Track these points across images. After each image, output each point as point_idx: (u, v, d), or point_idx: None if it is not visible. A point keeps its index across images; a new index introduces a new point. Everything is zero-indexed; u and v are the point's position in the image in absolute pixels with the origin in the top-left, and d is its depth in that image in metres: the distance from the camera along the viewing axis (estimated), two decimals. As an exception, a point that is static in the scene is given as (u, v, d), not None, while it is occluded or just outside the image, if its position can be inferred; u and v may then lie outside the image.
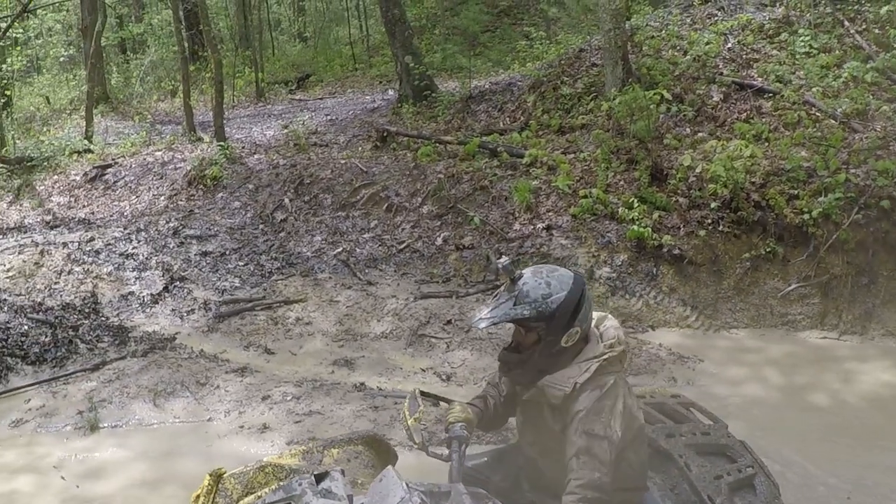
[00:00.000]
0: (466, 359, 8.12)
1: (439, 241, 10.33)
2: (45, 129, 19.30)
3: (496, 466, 3.68)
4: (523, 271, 3.25)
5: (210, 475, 3.34)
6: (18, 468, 6.82)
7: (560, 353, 3.22)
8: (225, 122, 14.56)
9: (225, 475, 3.34)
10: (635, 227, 9.36)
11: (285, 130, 14.34)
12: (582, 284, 3.25)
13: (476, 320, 3.25)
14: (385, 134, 12.95)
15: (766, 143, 10.27)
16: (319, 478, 3.02)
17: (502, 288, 3.26)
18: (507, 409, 3.61)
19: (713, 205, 9.55)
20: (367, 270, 9.97)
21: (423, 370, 8.01)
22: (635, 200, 9.78)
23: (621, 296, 9.05)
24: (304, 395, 7.48)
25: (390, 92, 17.00)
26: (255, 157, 13.26)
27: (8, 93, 18.06)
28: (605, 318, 3.46)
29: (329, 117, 15.02)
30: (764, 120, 10.78)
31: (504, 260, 3.21)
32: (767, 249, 9.27)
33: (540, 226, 9.95)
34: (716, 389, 7.50)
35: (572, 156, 11.03)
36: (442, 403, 3.74)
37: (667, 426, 4.04)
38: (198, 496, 3.31)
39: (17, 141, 17.56)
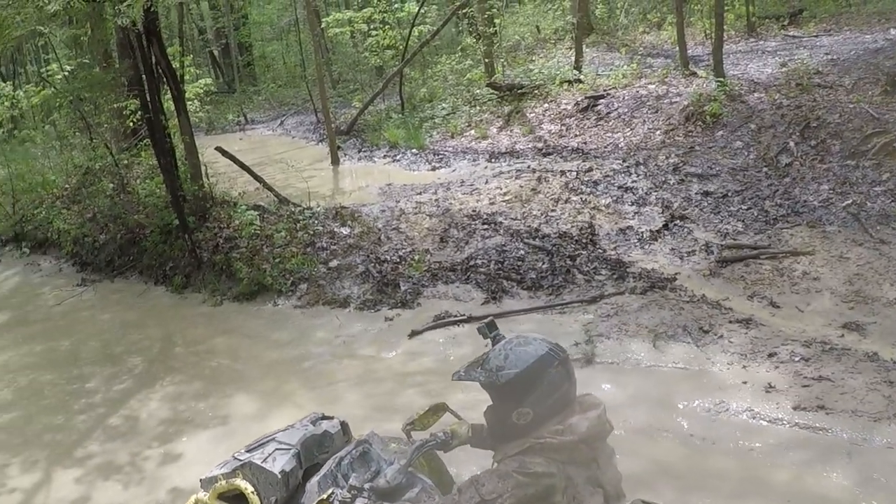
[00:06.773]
0: None
1: (968, 205, 9.36)
2: (529, 57, 20.52)
3: None
4: (503, 337, 3.27)
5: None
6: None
7: (512, 427, 3.10)
8: (720, 57, 14.34)
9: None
10: None
11: (783, 69, 13.80)
12: (546, 367, 3.06)
13: (454, 373, 3.29)
14: (897, 79, 11.95)
15: None
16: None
17: None
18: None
19: None
20: (878, 227, 9.24)
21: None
22: None
23: None
24: (813, 358, 6.96)
25: (892, 32, 15.67)
26: (755, 94, 12.88)
27: (497, 21, 19.44)
28: (589, 406, 3.17)
29: (828, 56, 14.10)
30: None
31: (484, 322, 3.38)
32: None
33: None
34: None
35: None
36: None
37: None
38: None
39: (505, 69, 18.97)
